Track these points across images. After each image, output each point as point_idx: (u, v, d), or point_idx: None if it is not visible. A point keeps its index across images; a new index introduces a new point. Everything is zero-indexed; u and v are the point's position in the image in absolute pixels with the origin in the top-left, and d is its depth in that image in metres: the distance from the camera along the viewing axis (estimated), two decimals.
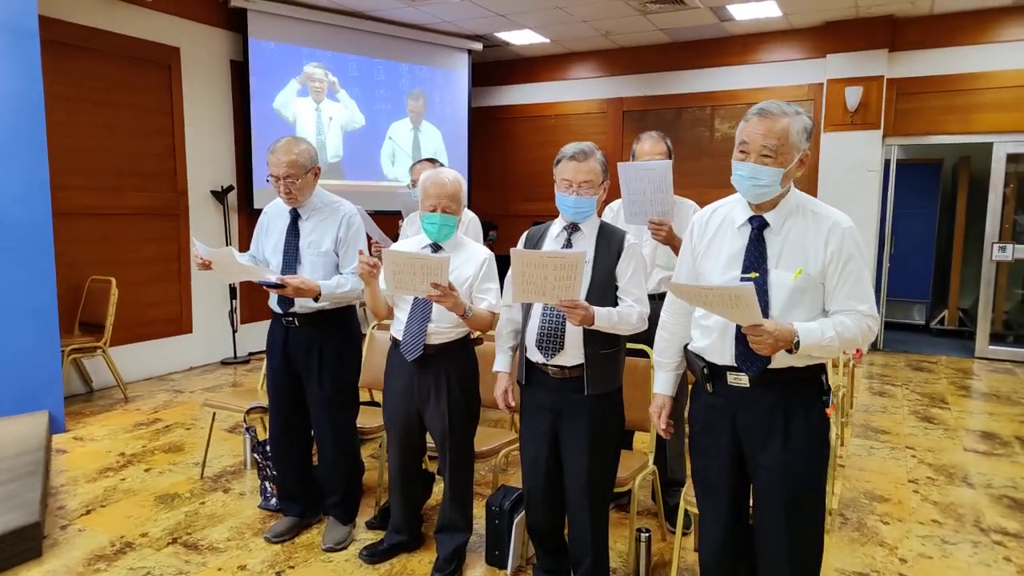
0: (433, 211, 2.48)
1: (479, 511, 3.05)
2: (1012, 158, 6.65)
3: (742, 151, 1.83)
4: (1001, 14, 6.24)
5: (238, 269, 2.70)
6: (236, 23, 6.18)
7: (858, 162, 6.73)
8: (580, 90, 8.15)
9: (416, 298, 2.51)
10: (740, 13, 6.47)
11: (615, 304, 2.26)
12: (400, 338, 2.57)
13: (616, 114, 7.97)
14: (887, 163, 6.99)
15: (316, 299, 2.70)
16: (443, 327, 2.51)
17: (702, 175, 7.33)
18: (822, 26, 6.80)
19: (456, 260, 2.53)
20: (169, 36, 5.71)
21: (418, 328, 2.51)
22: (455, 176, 2.54)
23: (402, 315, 2.58)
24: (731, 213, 1.94)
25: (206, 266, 2.65)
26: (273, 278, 2.62)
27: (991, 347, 6.77)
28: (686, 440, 2.30)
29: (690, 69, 7.54)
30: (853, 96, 6.62)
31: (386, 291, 2.54)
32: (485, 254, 2.56)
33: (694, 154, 7.43)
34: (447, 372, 2.54)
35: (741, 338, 1.79)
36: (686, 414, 2.56)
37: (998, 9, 6.23)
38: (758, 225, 1.86)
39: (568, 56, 8.11)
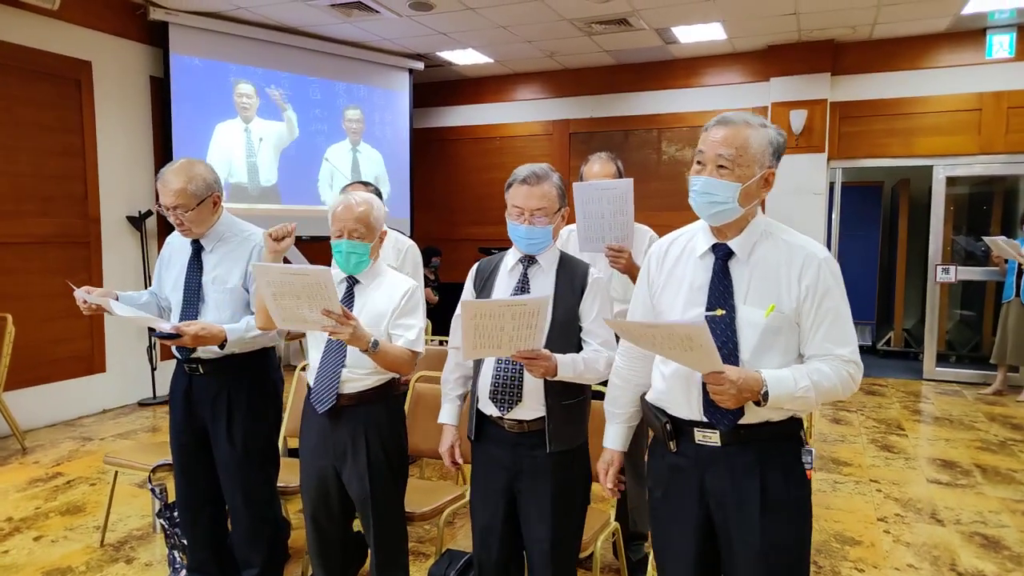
0: (340, 237, 2.14)
1: (420, 575, 2.71)
2: (951, 181, 6.74)
3: (699, 162, 1.60)
4: (938, 40, 6.35)
5: (128, 317, 2.31)
6: (156, 37, 5.74)
7: (803, 185, 6.72)
8: (525, 111, 7.96)
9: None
10: (685, 36, 6.40)
11: (578, 347, 1.98)
12: (312, 384, 2.22)
13: (562, 136, 7.81)
14: (831, 186, 7.01)
15: (221, 347, 2.32)
16: (359, 372, 2.16)
17: (650, 198, 7.20)
18: (765, 50, 6.80)
19: (373, 292, 2.20)
20: (79, 49, 5.23)
21: (331, 374, 2.16)
22: (367, 198, 2.20)
23: (316, 356, 2.23)
24: (692, 241, 1.69)
25: (93, 309, 2.27)
26: (167, 326, 2.22)
27: (938, 368, 6.79)
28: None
29: (636, 91, 7.45)
30: (798, 119, 6.61)
31: None
32: (407, 285, 2.21)
33: (642, 177, 7.26)
34: (365, 426, 2.18)
35: None
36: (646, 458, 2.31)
37: (935, 35, 6.33)
38: (722, 254, 1.62)
39: (513, 77, 7.92)
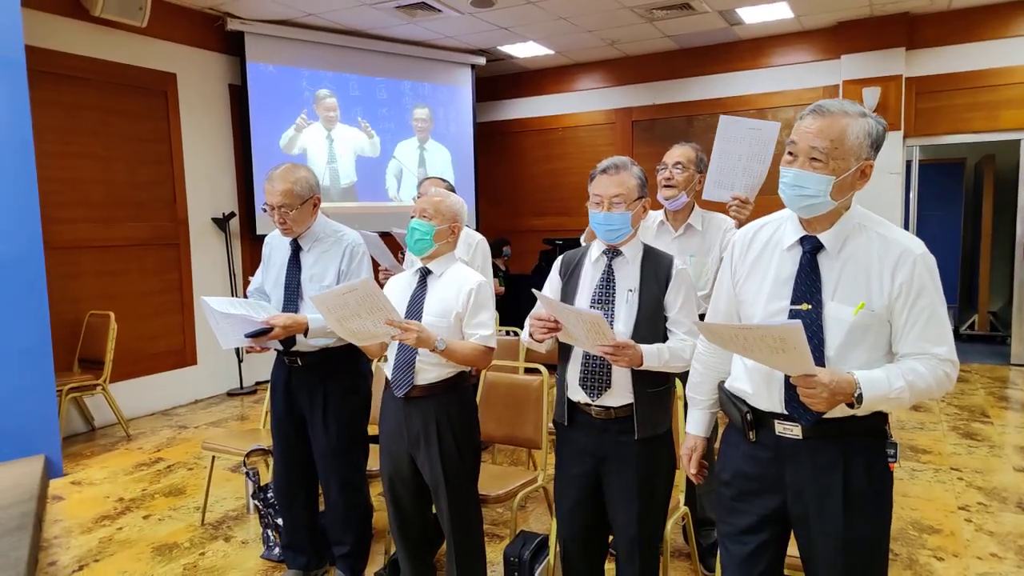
0: (413, 217, 2.35)
1: (495, 555, 2.83)
2: None
3: (790, 153, 1.55)
4: (1022, 6, 6.00)
5: (233, 314, 2.49)
6: (233, 47, 6.05)
7: (879, 165, 6.39)
8: (587, 101, 7.96)
9: None
10: (750, 16, 6.27)
11: (665, 336, 2.03)
12: (389, 376, 2.36)
13: (625, 124, 7.78)
14: (908, 164, 6.74)
15: (305, 334, 2.49)
16: (428, 363, 2.28)
17: None
18: (835, 26, 6.58)
19: (443, 283, 2.32)
20: (165, 62, 5.57)
21: (406, 360, 2.30)
22: (447, 192, 2.41)
23: (393, 346, 2.37)
24: (779, 231, 1.65)
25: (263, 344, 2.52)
26: (259, 319, 2.40)
27: None
28: None
29: (699, 76, 7.34)
30: (871, 97, 6.38)
31: None
32: (473, 282, 2.30)
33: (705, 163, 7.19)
34: (438, 415, 2.30)
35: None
36: (716, 445, 2.33)
37: (1019, 2, 5.99)
38: (811, 247, 1.57)
39: (574, 67, 7.93)
